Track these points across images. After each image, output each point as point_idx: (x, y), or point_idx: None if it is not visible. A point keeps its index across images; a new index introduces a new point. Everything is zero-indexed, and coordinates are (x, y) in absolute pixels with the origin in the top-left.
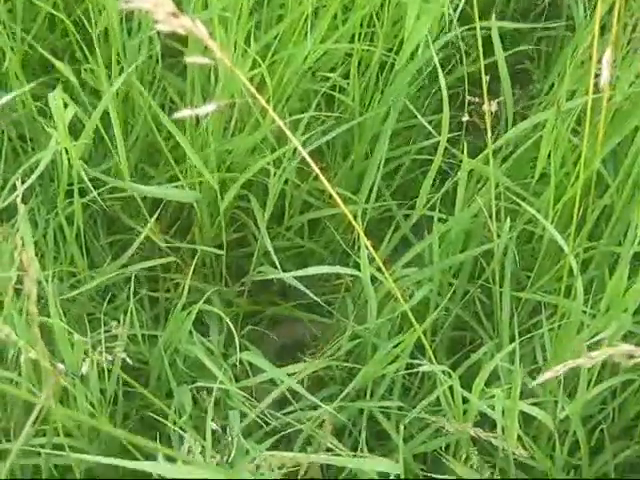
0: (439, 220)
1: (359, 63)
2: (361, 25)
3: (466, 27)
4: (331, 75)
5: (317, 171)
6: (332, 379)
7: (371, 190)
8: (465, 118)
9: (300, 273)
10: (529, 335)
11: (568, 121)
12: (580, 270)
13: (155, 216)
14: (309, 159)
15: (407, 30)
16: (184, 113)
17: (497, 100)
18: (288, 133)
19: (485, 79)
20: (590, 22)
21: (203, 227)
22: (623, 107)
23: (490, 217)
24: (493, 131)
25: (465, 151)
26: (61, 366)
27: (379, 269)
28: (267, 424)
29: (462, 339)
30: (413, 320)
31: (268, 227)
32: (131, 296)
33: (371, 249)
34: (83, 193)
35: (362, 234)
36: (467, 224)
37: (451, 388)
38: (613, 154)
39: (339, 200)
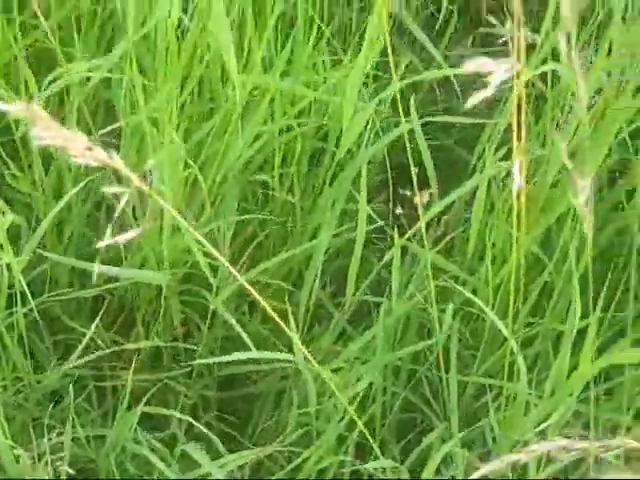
0: (377, 305)
1: (289, 158)
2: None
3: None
4: (265, 177)
5: (258, 297)
6: (279, 466)
7: (310, 293)
8: (399, 211)
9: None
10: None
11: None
12: (522, 348)
13: (99, 316)
14: (253, 291)
15: (344, 126)
16: (105, 242)
17: (429, 191)
18: (237, 276)
19: (414, 171)
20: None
21: (167, 314)
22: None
23: (428, 303)
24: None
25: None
26: None
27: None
28: None
29: (412, 420)
30: (355, 417)
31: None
32: (71, 400)
33: (310, 357)
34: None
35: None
36: (407, 308)
37: None
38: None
39: (276, 316)
